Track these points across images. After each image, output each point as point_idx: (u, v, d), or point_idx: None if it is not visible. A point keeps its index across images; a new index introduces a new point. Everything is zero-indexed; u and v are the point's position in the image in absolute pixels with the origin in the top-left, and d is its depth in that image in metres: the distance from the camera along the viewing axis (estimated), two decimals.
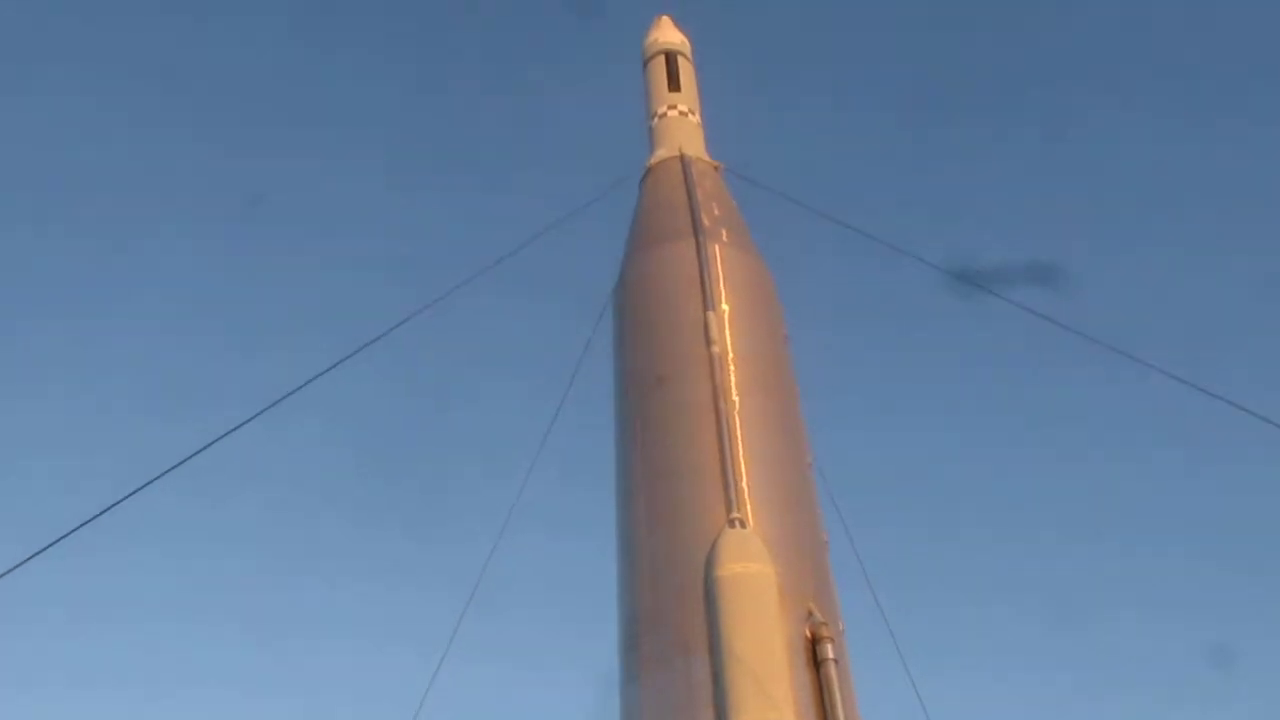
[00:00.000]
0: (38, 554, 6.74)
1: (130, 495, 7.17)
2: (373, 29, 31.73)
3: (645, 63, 11.52)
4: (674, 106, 11.07)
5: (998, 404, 27.06)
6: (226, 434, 7.88)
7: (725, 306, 8.84)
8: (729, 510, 7.60)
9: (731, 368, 8.45)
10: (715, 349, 8.52)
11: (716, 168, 10.62)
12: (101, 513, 6.99)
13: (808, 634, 7.24)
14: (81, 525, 6.88)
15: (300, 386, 8.50)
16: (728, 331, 8.67)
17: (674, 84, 11.24)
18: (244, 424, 8.03)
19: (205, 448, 7.70)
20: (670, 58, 11.42)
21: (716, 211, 9.75)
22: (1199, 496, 25.40)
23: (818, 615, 7.34)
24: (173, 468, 7.46)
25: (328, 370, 8.67)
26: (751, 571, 7.22)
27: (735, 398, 8.28)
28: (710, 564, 7.32)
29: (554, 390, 10.56)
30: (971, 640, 22.92)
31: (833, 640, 7.23)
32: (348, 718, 23.11)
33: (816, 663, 7.17)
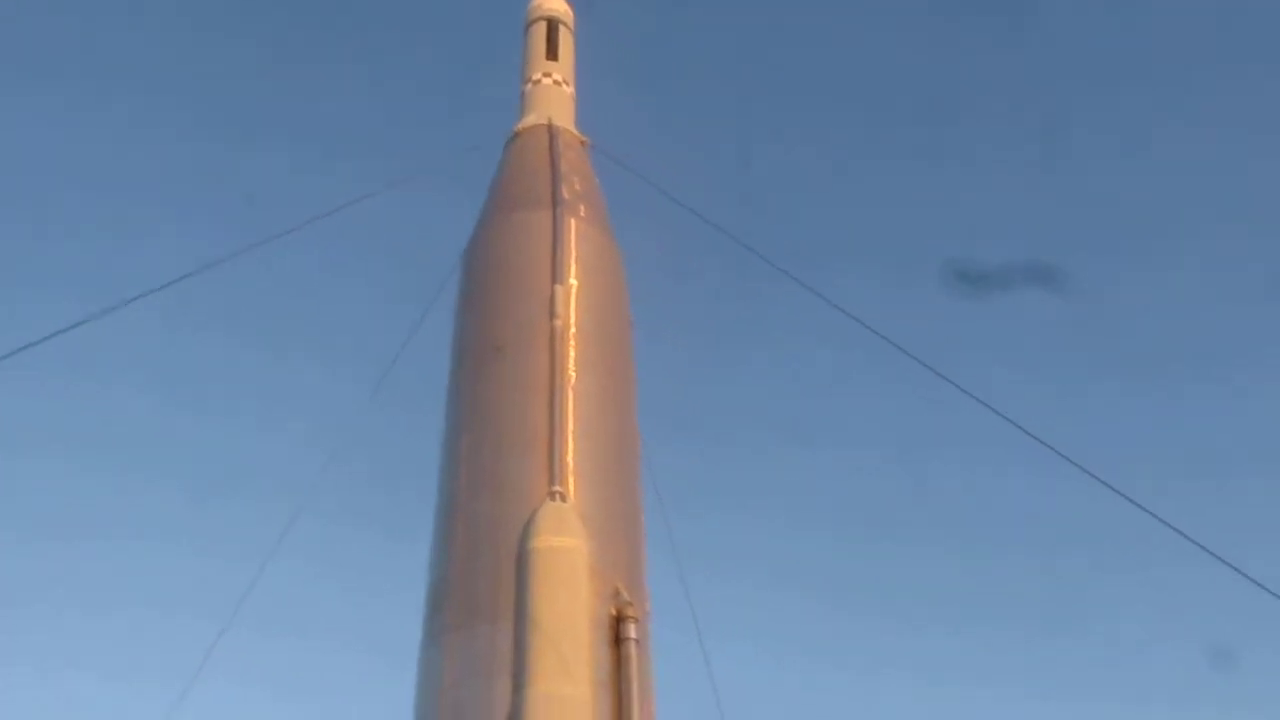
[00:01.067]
0: None
1: None
2: None
3: (526, 27, 11.43)
4: (549, 74, 11.02)
5: (837, 416, 27.76)
6: None
7: (573, 281, 8.87)
8: (551, 483, 7.66)
9: (572, 343, 8.50)
10: (558, 322, 8.54)
11: (584, 142, 10.61)
12: None
13: (613, 612, 7.36)
14: None
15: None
16: (573, 307, 8.71)
17: (552, 52, 11.18)
18: None
19: None
20: (551, 25, 11.35)
21: (577, 186, 9.76)
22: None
23: (625, 595, 7.47)
24: None
25: (102, 315, 8.26)
26: (565, 546, 7.29)
27: (572, 373, 8.33)
28: (525, 534, 7.37)
29: (387, 354, 10.43)
30: (778, 638, 23.56)
31: (636, 620, 7.37)
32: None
33: (618, 641, 7.30)
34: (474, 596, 7.50)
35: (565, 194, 9.51)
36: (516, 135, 10.50)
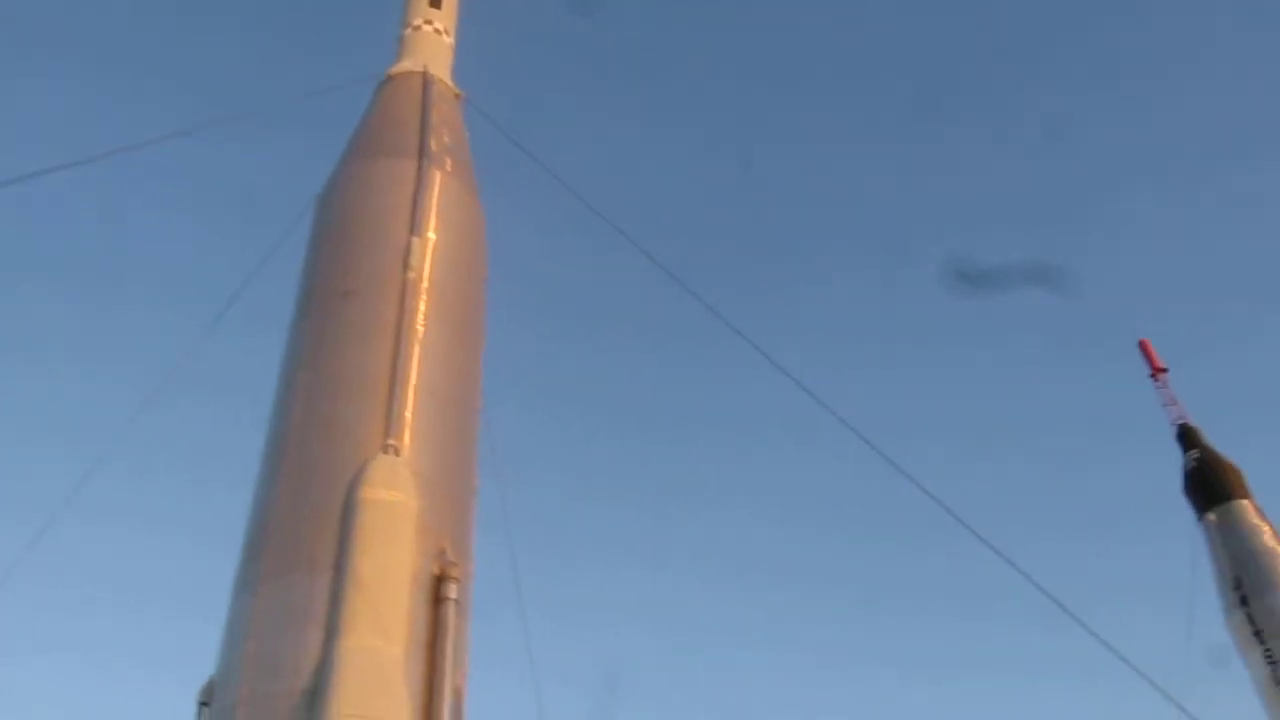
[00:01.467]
0: None
1: None
2: None
3: None
4: (430, 22, 10.79)
5: (684, 400, 28.09)
6: None
7: (432, 235, 8.71)
8: (386, 435, 7.53)
9: (423, 296, 8.34)
10: (411, 274, 8.39)
11: (458, 95, 10.42)
12: None
13: (436, 571, 7.27)
14: None
15: None
16: (428, 260, 8.56)
17: (435, 0, 10.95)
18: None
19: None
20: None
21: (446, 139, 9.57)
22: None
23: (449, 555, 7.38)
24: None
25: None
26: (393, 499, 7.19)
27: (419, 327, 8.18)
28: (355, 484, 7.24)
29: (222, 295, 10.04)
30: (598, 608, 23.80)
31: (458, 581, 7.28)
32: None
33: (438, 600, 7.22)
34: (294, 543, 7.28)
35: (433, 145, 9.32)
36: (388, 80, 10.24)
